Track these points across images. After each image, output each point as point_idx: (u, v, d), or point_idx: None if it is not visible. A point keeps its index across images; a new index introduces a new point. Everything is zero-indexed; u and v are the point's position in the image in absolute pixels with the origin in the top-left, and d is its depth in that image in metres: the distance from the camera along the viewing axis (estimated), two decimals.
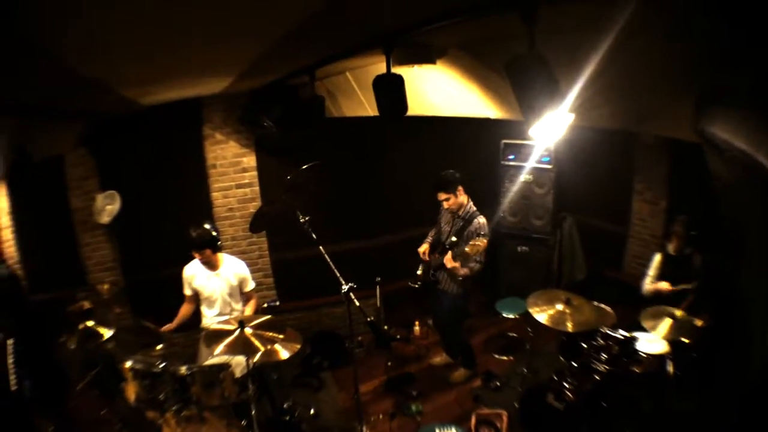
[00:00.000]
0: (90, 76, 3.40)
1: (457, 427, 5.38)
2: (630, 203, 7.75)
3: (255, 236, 7.76)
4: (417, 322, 8.20)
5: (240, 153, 7.54)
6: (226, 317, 5.53)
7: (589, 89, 3.10)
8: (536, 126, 2.84)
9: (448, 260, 5.80)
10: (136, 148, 7.05)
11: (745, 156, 2.53)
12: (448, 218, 6.27)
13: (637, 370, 5.14)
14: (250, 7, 2.29)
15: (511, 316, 6.88)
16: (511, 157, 8.15)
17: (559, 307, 5.21)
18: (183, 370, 4.53)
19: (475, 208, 6.09)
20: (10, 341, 4.84)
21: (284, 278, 8.12)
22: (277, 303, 6.22)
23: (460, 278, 5.99)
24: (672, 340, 5.18)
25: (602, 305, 5.64)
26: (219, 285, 5.64)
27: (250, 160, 7.60)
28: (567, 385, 5.12)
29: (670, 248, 6.01)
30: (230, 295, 5.70)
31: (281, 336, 4.62)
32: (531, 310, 5.27)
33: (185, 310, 5.80)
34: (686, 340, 5.14)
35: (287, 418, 5.81)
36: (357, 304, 4.78)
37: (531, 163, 7.94)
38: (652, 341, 5.29)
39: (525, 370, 6.41)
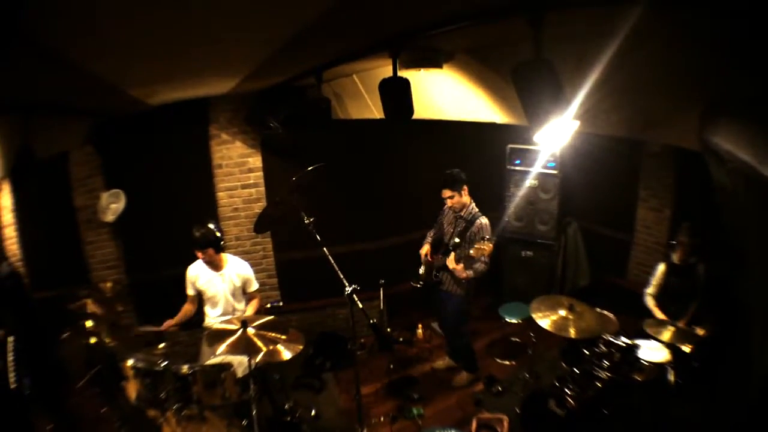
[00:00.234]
0: (99, 76, 3.42)
1: (458, 431, 5.39)
2: (635, 210, 7.72)
3: (259, 236, 7.77)
4: (420, 325, 8.19)
5: (246, 153, 7.55)
6: (229, 317, 5.53)
7: (595, 96, 3.11)
8: (541, 132, 2.84)
9: (451, 262, 5.82)
10: (141, 146, 7.07)
11: (747, 167, 2.54)
12: (451, 219, 6.28)
13: (638, 378, 5.14)
14: (261, 8, 2.30)
15: (514, 320, 6.88)
16: (517, 162, 8.14)
17: (562, 312, 5.21)
18: (185, 369, 4.53)
19: (477, 210, 6.09)
20: (10, 339, 4.85)
21: (288, 279, 8.12)
22: (281, 303, 6.24)
23: (464, 280, 5.99)
24: (673, 348, 5.18)
25: (605, 312, 5.64)
26: (222, 285, 5.64)
27: (255, 161, 7.61)
28: (568, 392, 5.12)
29: (675, 257, 6.00)
30: (233, 295, 5.71)
31: (284, 337, 4.61)
32: (534, 316, 5.26)
33: (187, 308, 5.80)
34: (687, 349, 5.14)
35: (288, 418, 5.80)
36: (360, 305, 4.77)
37: (537, 169, 7.93)
38: (654, 349, 5.30)
39: (527, 375, 6.41)
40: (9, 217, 6.45)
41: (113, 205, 6.91)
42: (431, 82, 5.20)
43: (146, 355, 4.95)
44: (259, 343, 4.40)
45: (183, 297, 5.81)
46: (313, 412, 6.23)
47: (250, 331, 4.50)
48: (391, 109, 4.26)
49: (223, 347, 4.37)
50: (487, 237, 5.71)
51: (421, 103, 4.36)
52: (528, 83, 2.78)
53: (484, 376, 6.81)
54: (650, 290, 6.18)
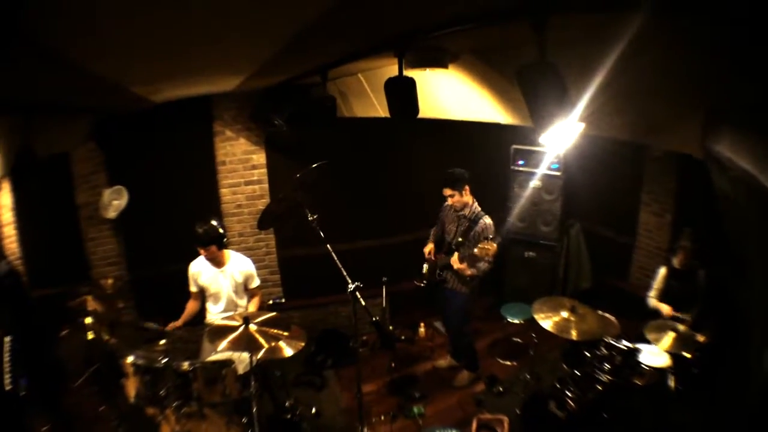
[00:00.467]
0: (100, 75, 3.42)
1: (458, 431, 5.40)
2: (637, 214, 7.73)
3: (263, 233, 7.79)
4: (422, 324, 8.20)
5: (250, 150, 7.57)
6: (231, 314, 5.52)
7: (599, 99, 3.11)
8: (546, 134, 2.84)
9: (455, 262, 5.83)
10: (144, 143, 7.08)
11: (748, 176, 2.54)
12: (453, 217, 6.27)
13: (638, 382, 5.14)
14: (261, 7, 2.30)
15: (516, 321, 6.90)
16: (521, 162, 8.15)
17: (564, 314, 5.20)
18: (185, 365, 4.53)
19: (480, 209, 6.09)
20: (7, 339, 4.82)
21: (291, 276, 8.14)
22: (283, 300, 6.25)
23: (468, 278, 5.99)
24: (674, 353, 5.18)
25: (607, 315, 5.64)
26: (224, 282, 5.64)
27: (259, 158, 7.63)
28: (569, 394, 5.13)
29: (676, 262, 6.00)
30: (235, 292, 5.70)
31: (286, 333, 4.59)
32: (536, 316, 5.26)
33: (191, 307, 5.80)
34: (688, 355, 5.14)
35: (288, 416, 5.79)
36: (363, 303, 4.74)
37: (542, 170, 7.95)
38: (655, 354, 5.29)
39: (528, 376, 6.41)
40: (8, 216, 6.42)
41: (115, 201, 6.91)
42: (436, 81, 5.21)
43: (146, 352, 4.94)
44: (261, 340, 4.38)
45: (184, 294, 5.80)
46: (313, 410, 6.24)
47: (252, 327, 4.47)
48: (397, 108, 4.28)
49: (224, 344, 4.35)
50: (491, 237, 5.72)
51: (427, 102, 4.37)
52: (533, 85, 2.78)
53: (485, 376, 6.81)
54: (652, 294, 6.19)
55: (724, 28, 2.46)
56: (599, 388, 5.10)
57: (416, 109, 4.24)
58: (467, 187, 6.01)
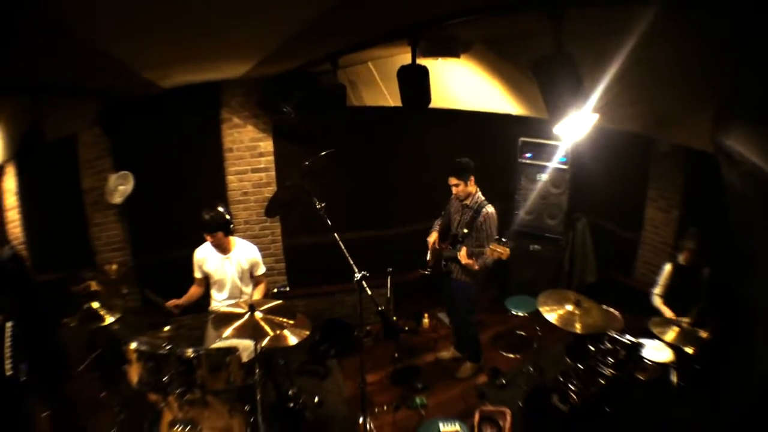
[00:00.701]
0: (114, 56, 3.41)
1: (461, 423, 5.40)
2: (643, 209, 7.70)
3: (268, 221, 7.77)
4: (426, 315, 8.24)
5: (257, 137, 7.53)
6: (236, 300, 5.54)
7: (612, 91, 3.12)
8: (561, 124, 2.84)
9: (463, 257, 5.82)
10: (151, 129, 7.05)
11: (757, 170, 2.54)
12: (458, 207, 6.27)
13: (641, 377, 5.14)
14: None
15: (520, 313, 6.88)
16: (529, 155, 8.15)
17: (569, 307, 5.19)
18: (189, 352, 4.49)
19: (483, 198, 6.09)
20: (8, 324, 4.81)
21: (296, 264, 8.12)
22: (287, 289, 6.24)
23: (475, 270, 5.99)
24: (677, 348, 5.19)
25: (611, 309, 5.64)
26: (230, 268, 5.63)
27: (267, 145, 7.60)
28: (572, 387, 5.12)
29: (681, 259, 5.99)
30: (240, 279, 5.70)
31: (291, 322, 4.56)
32: (541, 309, 5.24)
33: (194, 291, 5.79)
34: (690, 351, 5.14)
35: (291, 404, 5.79)
36: (369, 293, 4.74)
37: (553, 164, 7.95)
38: (658, 349, 5.30)
39: (531, 369, 6.40)
40: (12, 200, 6.41)
41: (121, 186, 6.89)
42: (447, 71, 5.19)
43: (150, 339, 4.91)
44: (267, 328, 4.36)
45: (189, 280, 5.80)
46: (316, 399, 6.25)
47: (258, 315, 4.47)
48: (409, 96, 4.28)
49: (229, 331, 4.34)
50: (496, 235, 5.71)
51: (437, 91, 4.36)
52: (549, 76, 2.79)
53: (488, 368, 6.82)
54: (657, 290, 6.18)
55: (734, 23, 2.48)
56: (602, 382, 5.09)
57: (428, 98, 4.24)
58: (472, 177, 6.01)
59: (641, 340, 5.20)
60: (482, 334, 7.23)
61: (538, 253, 8.28)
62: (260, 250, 5.90)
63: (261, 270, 5.83)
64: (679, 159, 6.99)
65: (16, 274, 5.83)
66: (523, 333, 7.65)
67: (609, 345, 5.20)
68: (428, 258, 6.49)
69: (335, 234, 5.04)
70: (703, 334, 5.24)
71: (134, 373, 4.57)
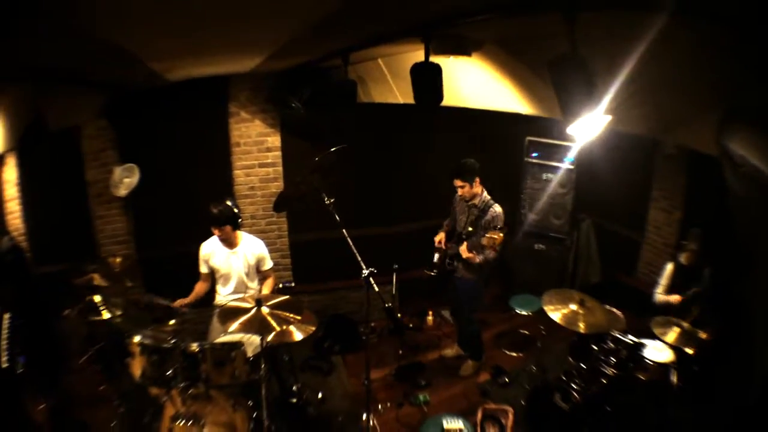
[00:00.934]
0: (121, 46, 3.40)
1: (464, 420, 5.41)
2: (647, 210, 7.72)
3: (275, 216, 7.79)
4: (430, 312, 8.26)
5: (265, 132, 7.53)
6: (241, 295, 5.52)
7: (621, 95, 3.14)
8: (574, 125, 2.86)
9: (463, 251, 5.84)
10: (158, 121, 7.06)
11: (758, 173, 2.57)
12: (464, 207, 6.28)
13: (642, 377, 5.18)
14: None
15: (524, 312, 6.91)
16: (535, 154, 8.19)
17: (573, 307, 5.20)
18: (194, 346, 4.51)
19: (489, 197, 6.09)
20: (6, 316, 4.78)
21: (301, 260, 8.14)
22: (293, 284, 6.22)
23: (477, 266, 6.01)
24: (677, 348, 5.21)
25: (613, 309, 5.65)
26: (236, 263, 5.64)
27: (274, 140, 7.60)
28: (574, 386, 5.14)
29: (683, 259, 6.00)
30: (247, 273, 5.71)
31: (299, 317, 4.56)
32: (546, 308, 5.26)
33: (200, 287, 5.80)
34: (690, 351, 5.16)
35: (294, 400, 5.82)
36: (377, 289, 4.73)
37: (560, 163, 8.01)
38: (659, 349, 5.31)
39: (534, 368, 6.42)
40: (13, 191, 6.42)
41: (126, 179, 6.89)
42: (457, 69, 5.19)
43: (155, 332, 4.93)
44: (273, 323, 4.33)
45: (193, 274, 5.80)
46: (320, 395, 6.25)
47: (265, 310, 4.44)
48: (421, 93, 4.29)
49: (235, 325, 4.32)
50: (499, 226, 5.72)
51: (447, 89, 4.35)
52: (563, 77, 2.80)
53: (491, 366, 6.83)
54: (659, 290, 6.18)
55: (737, 32, 2.52)
56: (604, 381, 5.12)
57: (441, 96, 4.26)
58: (478, 179, 6.01)
59: (643, 340, 5.24)
60: (486, 333, 7.27)
61: (542, 252, 8.29)
62: (266, 245, 5.90)
63: (268, 265, 5.83)
64: (683, 161, 7.00)
65: (15, 265, 5.80)
66: (526, 332, 7.66)
67: (612, 345, 5.23)
68: (436, 259, 6.49)
69: (344, 230, 5.03)
70: (702, 335, 5.26)
71: (137, 367, 4.58)
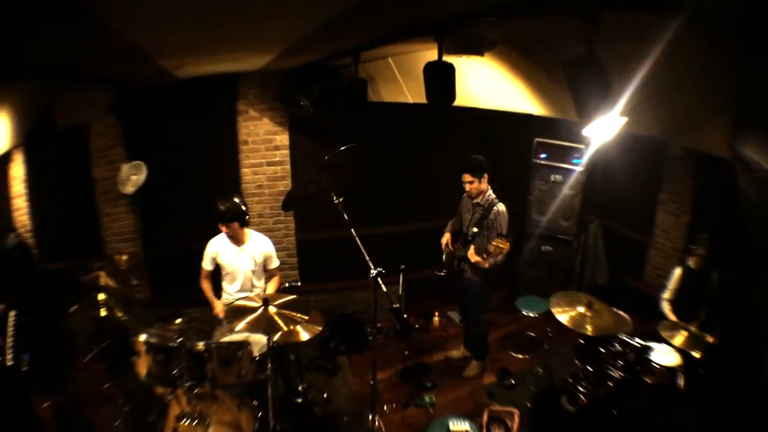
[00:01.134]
0: (133, 42, 3.38)
1: (471, 422, 5.40)
2: (655, 213, 7.67)
3: (282, 215, 7.79)
4: (436, 313, 8.26)
5: (273, 131, 7.52)
6: (247, 294, 5.53)
7: (636, 97, 3.13)
8: (590, 127, 2.85)
9: (472, 255, 5.82)
10: (166, 119, 7.05)
11: None
12: (469, 206, 6.29)
13: (648, 380, 5.16)
14: None
15: (531, 314, 6.90)
16: (543, 155, 8.17)
17: (581, 309, 5.19)
18: (200, 346, 4.50)
19: (494, 196, 6.10)
20: (12, 313, 4.78)
21: (308, 259, 8.13)
22: (299, 284, 6.22)
23: (490, 266, 5.98)
24: (685, 351, 5.19)
25: (621, 312, 5.63)
26: (243, 261, 5.63)
27: (282, 139, 7.58)
28: (581, 389, 5.13)
29: (691, 263, 5.97)
30: (253, 271, 5.70)
31: (306, 317, 4.54)
32: (553, 310, 5.24)
33: (207, 286, 5.78)
34: (697, 355, 5.14)
35: (299, 400, 5.81)
36: (384, 289, 4.71)
37: (568, 165, 7.99)
38: (666, 353, 5.30)
39: (540, 370, 6.40)
40: (20, 188, 6.42)
41: (134, 176, 6.89)
42: (469, 69, 5.18)
43: (160, 331, 4.94)
44: (280, 323, 4.31)
45: (199, 273, 5.79)
46: (325, 395, 6.24)
47: (272, 309, 4.42)
48: (434, 93, 4.27)
49: (242, 324, 4.30)
50: (505, 233, 5.70)
51: (458, 89, 4.34)
52: (579, 79, 2.80)
53: (497, 368, 6.82)
54: (667, 295, 6.13)
55: (751, 38, 2.50)
56: (611, 384, 5.12)
57: (453, 95, 4.23)
58: (486, 175, 6.03)
59: (650, 344, 5.23)
60: (492, 334, 7.24)
61: (549, 254, 8.29)
62: (273, 243, 5.88)
63: (275, 263, 5.82)
64: (692, 164, 6.97)
65: (21, 262, 5.81)
66: (533, 334, 7.65)
67: (619, 348, 5.22)
68: (444, 259, 6.50)
69: (352, 230, 5.00)
70: (710, 339, 5.25)
71: (143, 366, 4.58)
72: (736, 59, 2.78)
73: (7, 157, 6.03)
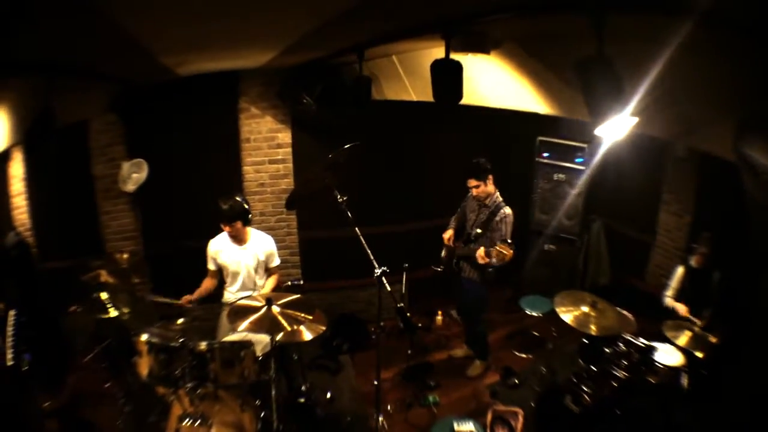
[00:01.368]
0: (135, 38, 3.35)
1: (475, 422, 5.37)
2: (657, 213, 7.67)
3: (285, 213, 7.75)
4: (439, 312, 8.24)
5: (275, 128, 7.49)
6: (249, 293, 5.48)
7: (647, 97, 3.12)
8: (602, 126, 2.84)
9: (480, 257, 5.77)
10: (167, 116, 7.03)
11: None
12: (474, 206, 6.28)
13: (652, 380, 5.16)
14: None
15: (534, 313, 6.88)
16: (546, 154, 8.17)
17: (585, 309, 5.20)
18: (203, 345, 4.45)
19: (501, 199, 6.09)
20: (11, 312, 4.74)
21: (311, 258, 8.09)
22: (301, 282, 6.18)
23: (490, 269, 5.99)
24: (688, 351, 5.20)
25: (624, 312, 5.62)
26: (245, 259, 5.59)
27: (285, 136, 7.56)
28: (585, 389, 5.12)
29: (693, 262, 5.96)
30: (255, 270, 5.66)
31: (310, 317, 4.52)
32: (557, 310, 5.25)
33: (207, 284, 5.73)
34: (700, 355, 5.12)
35: (302, 400, 5.78)
36: (388, 288, 4.69)
37: (571, 164, 8.00)
38: (669, 353, 5.30)
39: (544, 370, 6.37)
40: (19, 186, 6.40)
41: (135, 174, 6.86)
42: (474, 67, 5.14)
43: (162, 330, 4.89)
44: (284, 322, 4.29)
45: (201, 271, 5.74)
46: (328, 395, 6.22)
47: (275, 309, 4.39)
48: (441, 91, 4.23)
49: (245, 324, 4.28)
50: (509, 239, 5.67)
51: (465, 88, 4.31)
52: (591, 79, 2.79)
53: (500, 367, 6.81)
54: (669, 293, 6.14)
55: (759, 42, 2.51)
56: (615, 384, 5.12)
57: (460, 94, 4.20)
58: (491, 177, 6.02)
59: (653, 344, 5.22)
60: (496, 334, 7.28)
61: (552, 253, 8.31)
62: (275, 242, 5.85)
63: (276, 262, 5.79)
64: (695, 164, 6.96)
65: (21, 260, 5.79)
66: (536, 333, 7.64)
67: (623, 347, 5.21)
68: (443, 255, 6.50)
69: (356, 228, 4.95)
70: (712, 339, 5.24)
71: (144, 366, 4.53)
72: (744, 62, 2.79)
73: (6, 155, 6.02)
